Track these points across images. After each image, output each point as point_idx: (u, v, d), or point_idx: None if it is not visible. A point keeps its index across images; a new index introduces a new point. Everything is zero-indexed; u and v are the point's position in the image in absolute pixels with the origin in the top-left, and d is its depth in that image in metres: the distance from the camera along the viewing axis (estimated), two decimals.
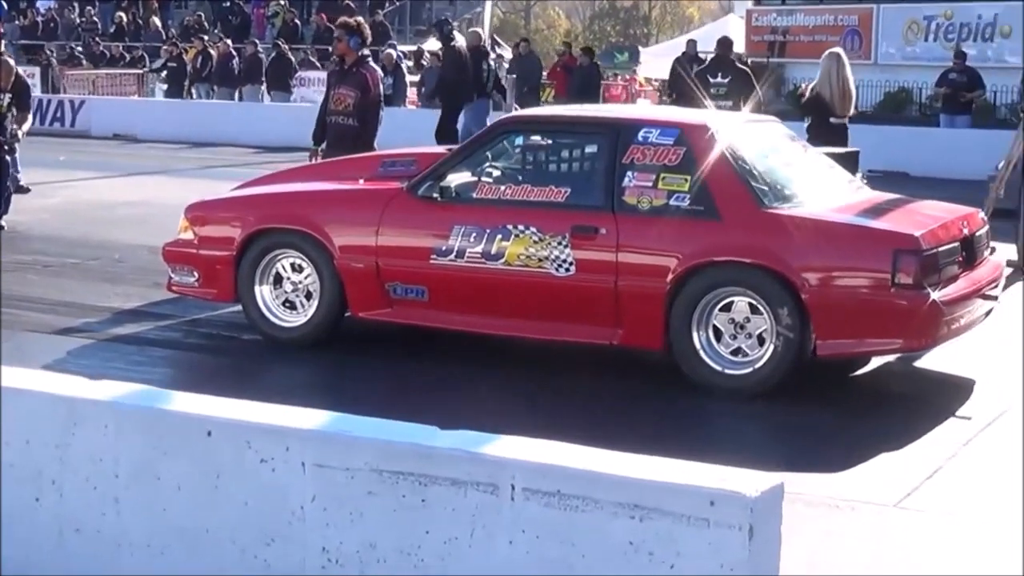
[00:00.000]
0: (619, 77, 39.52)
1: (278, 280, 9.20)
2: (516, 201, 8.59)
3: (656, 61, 37.25)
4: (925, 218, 8.39)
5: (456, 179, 8.75)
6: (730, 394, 8.06)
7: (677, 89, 16.26)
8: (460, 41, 21.69)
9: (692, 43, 27.30)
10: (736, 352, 8.09)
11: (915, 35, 30.76)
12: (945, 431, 7.51)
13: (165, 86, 31.46)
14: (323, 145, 12.09)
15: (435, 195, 8.74)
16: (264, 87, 29.24)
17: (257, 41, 31.61)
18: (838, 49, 13.90)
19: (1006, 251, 10.56)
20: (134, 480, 4.73)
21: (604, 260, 8.30)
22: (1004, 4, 29.06)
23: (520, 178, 8.73)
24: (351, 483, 4.39)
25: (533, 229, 8.42)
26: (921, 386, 8.54)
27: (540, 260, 8.40)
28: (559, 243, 8.35)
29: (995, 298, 8.48)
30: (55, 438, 4.84)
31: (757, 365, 8.01)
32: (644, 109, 10.60)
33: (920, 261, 7.75)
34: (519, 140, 8.97)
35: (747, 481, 3.92)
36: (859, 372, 8.67)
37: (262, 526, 4.54)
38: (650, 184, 8.30)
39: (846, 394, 8.38)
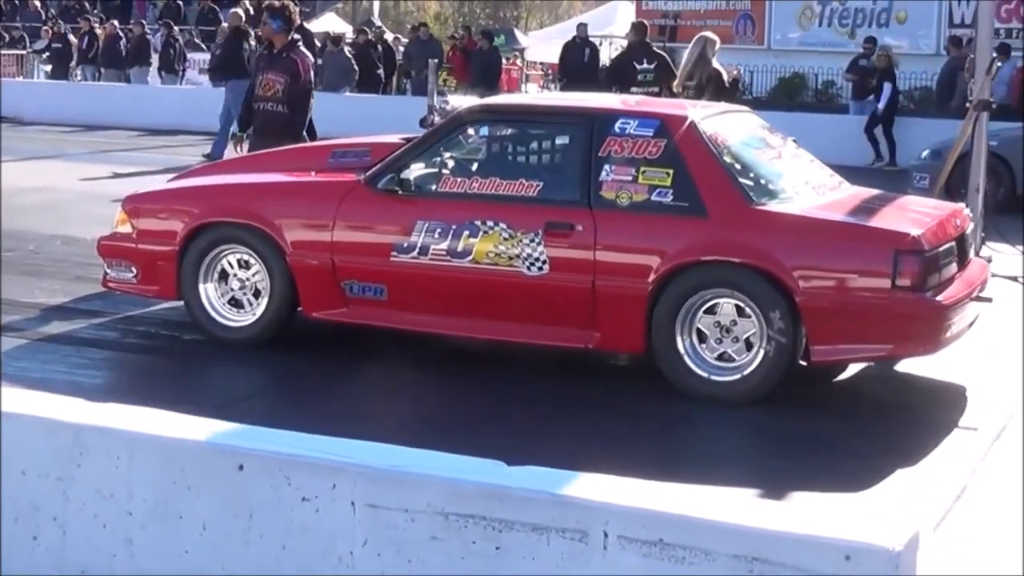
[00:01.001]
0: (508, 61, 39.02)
1: (223, 277, 8.62)
2: (484, 195, 8.08)
3: (542, 45, 36.80)
4: (919, 216, 8.02)
5: (418, 171, 8.23)
6: (717, 402, 7.62)
7: (614, 76, 15.82)
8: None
9: (583, 26, 26.88)
10: (722, 357, 7.68)
11: (809, 20, 30.71)
12: (955, 444, 7.13)
13: (48, 67, 30.42)
14: (249, 131, 11.54)
15: (396, 188, 8.22)
16: (154, 69, 28.34)
17: (144, 22, 30.65)
18: (708, 33, 13.86)
19: None
20: (151, 518, 4.20)
21: (580, 258, 7.83)
22: None
23: (488, 171, 8.21)
24: (411, 526, 3.90)
25: (503, 225, 7.94)
26: (909, 393, 8.15)
27: (511, 258, 7.92)
28: (531, 240, 7.88)
29: (989, 300, 8.15)
30: (57, 469, 4.28)
31: (746, 372, 7.59)
32: (618, 99, 10.08)
33: (922, 262, 7.38)
34: (485, 131, 8.46)
35: (888, 531, 3.47)
36: (839, 377, 8.26)
37: (303, 573, 4.02)
38: (629, 178, 7.85)
39: (832, 400, 7.98)
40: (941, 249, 7.61)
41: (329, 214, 8.32)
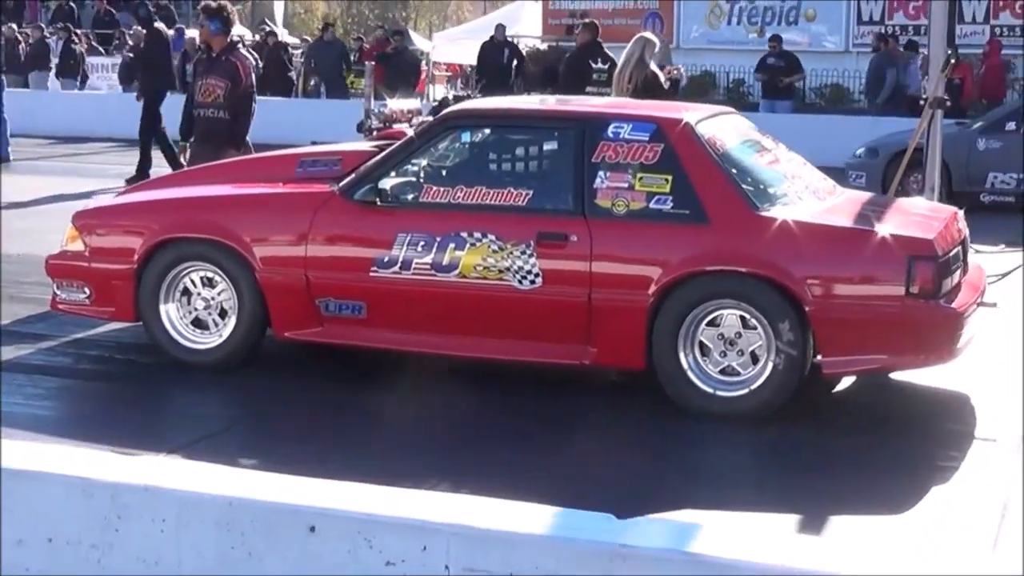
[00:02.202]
0: None
1: (186, 296, 8.08)
2: (470, 205, 7.62)
3: (448, 46, 36.26)
4: (926, 220, 7.68)
5: (398, 181, 7.76)
6: (724, 419, 7.22)
7: (570, 77, 15.35)
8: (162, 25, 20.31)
9: (501, 27, 26.43)
10: (726, 371, 7.28)
11: (718, 19, 30.51)
12: (979, 456, 6.79)
13: None
14: (191, 140, 11.01)
15: (374, 199, 7.74)
16: (52, 74, 27.48)
17: (44, 25, 29.75)
18: (648, 33, 13.51)
19: None
20: None
21: (575, 270, 7.40)
22: None
23: (473, 180, 7.74)
24: None
25: (492, 237, 7.49)
26: (911, 403, 7.80)
27: (501, 271, 7.47)
28: (522, 252, 7.44)
29: (994, 304, 7.82)
30: (91, 536, 3.76)
31: (754, 386, 7.21)
32: (608, 102, 9.67)
33: (936, 268, 7.04)
34: (469, 136, 7.99)
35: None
36: (836, 389, 7.91)
37: None
38: (626, 185, 7.43)
39: (836, 413, 7.61)
40: (951, 254, 7.29)
41: (302, 227, 7.82)
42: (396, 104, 16.19)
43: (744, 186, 7.41)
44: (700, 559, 3.29)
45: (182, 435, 6.93)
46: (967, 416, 7.50)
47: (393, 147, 8.05)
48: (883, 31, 25.85)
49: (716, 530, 3.45)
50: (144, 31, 19.62)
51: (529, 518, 3.53)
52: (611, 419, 7.52)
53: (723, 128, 7.94)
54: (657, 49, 13.50)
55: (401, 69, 24.13)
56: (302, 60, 29.25)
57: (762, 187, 7.53)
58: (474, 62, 26.55)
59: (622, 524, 3.48)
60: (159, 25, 19.34)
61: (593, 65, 15.03)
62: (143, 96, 17.97)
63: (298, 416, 7.49)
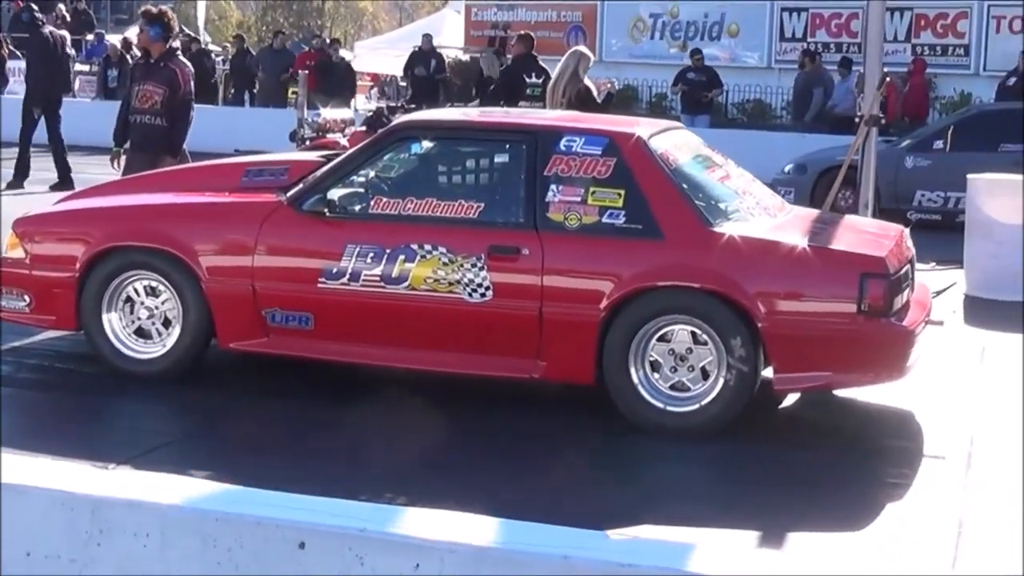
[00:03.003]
0: None
1: (129, 305, 7.97)
2: (421, 217, 7.57)
3: (370, 55, 36.14)
4: (875, 238, 7.72)
5: (347, 191, 7.70)
6: (675, 434, 7.22)
7: (503, 90, 15.28)
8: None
9: (427, 37, 26.43)
10: (675, 387, 7.28)
11: (640, 32, 30.59)
12: (929, 473, 6.83)
13: None
14: (126, 146, 10.88)
15: (323, 209, 7.67)
16: None
17: None
18: (583, 48, 13.45)
19: None
20: None
21: (527, 284, 7.37)
22: (731, 3, 29.11)
23: (424, 191, 7.68)
24: None
25: (442, 249, 7.44)
26: (855, 418, 7.82)
27: (451, 284, 7.43)
28: (473, 265, 7.40)
29: (940, 323, 7.88)
30: (70, 551, 3.68)
31: (704, 401, 7.21)
32: (560, 115, 9.64)
33: (888, 285, 7.07)
34: (418, 148, 7.94)
35: None
36: (784, 404, 7.93)
37: None
38: (578, 199, 7.41)
39: (785, 430, 7.63)
40: (902, 272, 7.33)
41: (250, 238, 7.74)
42: (329, 114, 16.13)
43: (697, 202, 7.41)
44: None
45: (126, 448, 6.80)
46: (914, 433, 7.54)
47: (342, 157, 7.99)
48: (807, 47, 26.02)
49: (711, 549, 3.43)
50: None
51: (525, 535, 3.49)
52: (563, 434, 7.48)
53: (674, 143, 7.95)
54: (591, 64, 13.49)
55: (337, 78, 23.99)
56: (224, 67, 29.06)
57: (714, 203, 7.54)
58: (394, 72, 26.42)
59: (619, 543, 3.45)
60: (45, 29, 18.70)
61: (527, 79, 14.98)
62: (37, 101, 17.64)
63: (245, 428, 7.41)
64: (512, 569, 3.37)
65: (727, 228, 7.32)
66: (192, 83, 10.94)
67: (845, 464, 6.99)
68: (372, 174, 7.79)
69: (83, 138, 18.96)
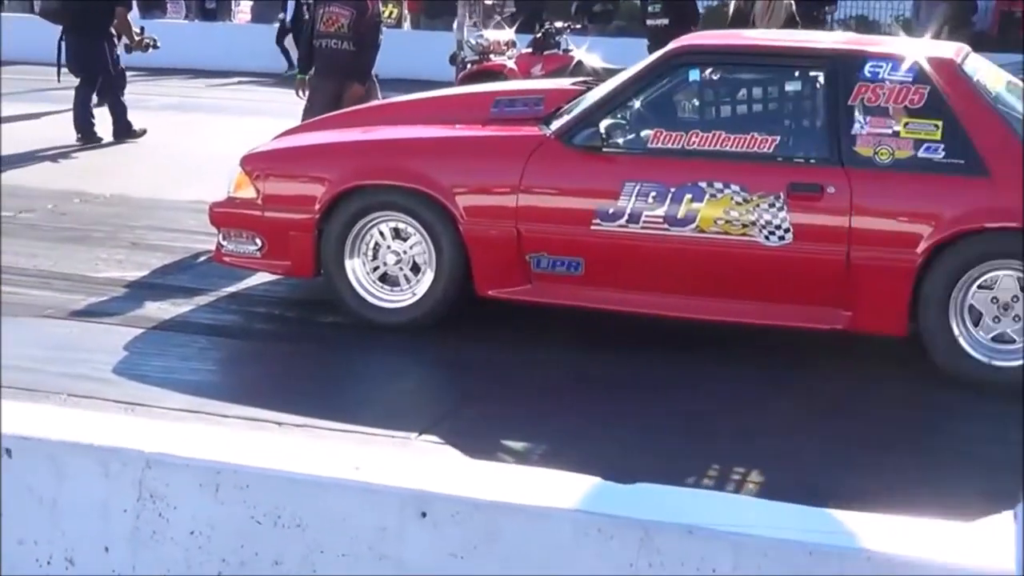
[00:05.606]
0: None
1: (373, 249, 7.30)
2: (708, 152, 6.87)
3: None
4: None
5: (621, 124, 7.01)
6: (997, 389, 6.53)
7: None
8: None
9: None
10: (998, 339, 6.59)
11: None
12: None
13: None
14: (311, 73, 10.20)
15: (598, 144, 6.96)
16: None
17: None
18: None
19: None
20: None
21: (832, 225, 6.68)
22: None
23: (710, 124, 6.98)
24: None
25: (735, 188, 6.75)
26: None
27: (745, 226, 6.74)
28: (771, 205, 6.70)
29: None
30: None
31: None
32: (852, 38, 8.91)
33: None
34: (697, 75, 7.21)
35: None
36: None
37: None
38: (890, 131, 6.70)
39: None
40: None
41: (514, 175, 7.05)
42: (492, 35, 15.36)
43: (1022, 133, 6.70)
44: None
45: (415, 413, 6.15)
46: None
47: (612, 87, 7.27)
48: None
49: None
50: None
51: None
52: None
53: (981, 68, 7.22)
54: None
55: None
56: None
57: None
58: None
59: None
60: None
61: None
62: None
63: (531, 388, 6.68)
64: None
65: None
66: (380, 3, 10.21)
67: None
68: (648, 105, 7.08)
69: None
